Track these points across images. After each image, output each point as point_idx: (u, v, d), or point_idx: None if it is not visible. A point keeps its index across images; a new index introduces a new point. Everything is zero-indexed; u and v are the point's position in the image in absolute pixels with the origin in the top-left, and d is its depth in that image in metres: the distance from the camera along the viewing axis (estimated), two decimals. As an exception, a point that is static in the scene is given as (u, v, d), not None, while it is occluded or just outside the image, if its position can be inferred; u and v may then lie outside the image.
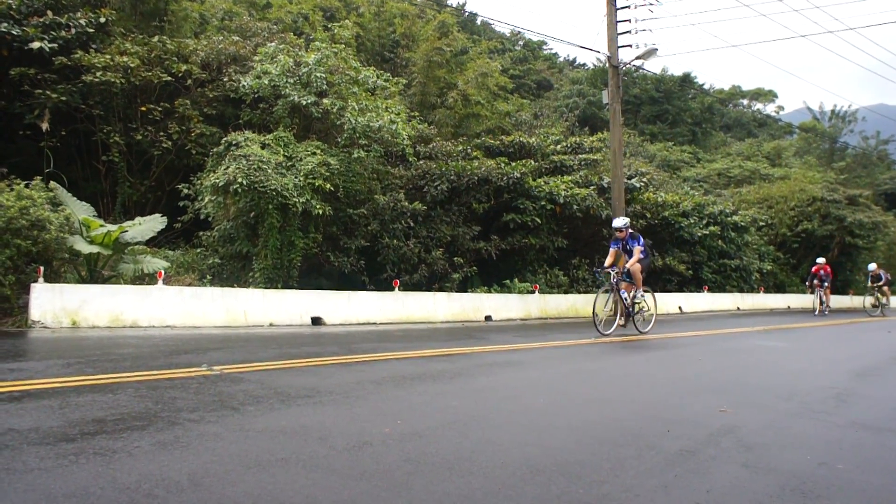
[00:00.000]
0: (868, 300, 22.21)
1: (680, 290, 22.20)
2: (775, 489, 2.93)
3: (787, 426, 4.22)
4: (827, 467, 3.31)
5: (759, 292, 26.08)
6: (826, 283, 20.79)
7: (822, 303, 20.80)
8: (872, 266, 22.27)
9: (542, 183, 16.83)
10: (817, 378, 6.58)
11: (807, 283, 21.81)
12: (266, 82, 13.99)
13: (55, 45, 13.67)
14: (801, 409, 4.78)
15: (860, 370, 7.34)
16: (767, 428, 4.15)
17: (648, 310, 11.59)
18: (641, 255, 11.20)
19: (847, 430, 4.20)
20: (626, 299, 10.91)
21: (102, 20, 14.91)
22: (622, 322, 11.02)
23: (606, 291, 11.10)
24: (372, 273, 14.33)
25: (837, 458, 3.48)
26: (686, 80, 54.81)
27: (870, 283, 22.20)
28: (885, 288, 22.01)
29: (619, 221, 11.44)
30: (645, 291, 11.59)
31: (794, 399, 5.20)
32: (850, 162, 48.02)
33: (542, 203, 16.38)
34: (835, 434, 4.07)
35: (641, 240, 11.36)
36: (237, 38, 16.91)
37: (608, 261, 11.11)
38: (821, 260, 21.51)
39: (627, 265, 10.97)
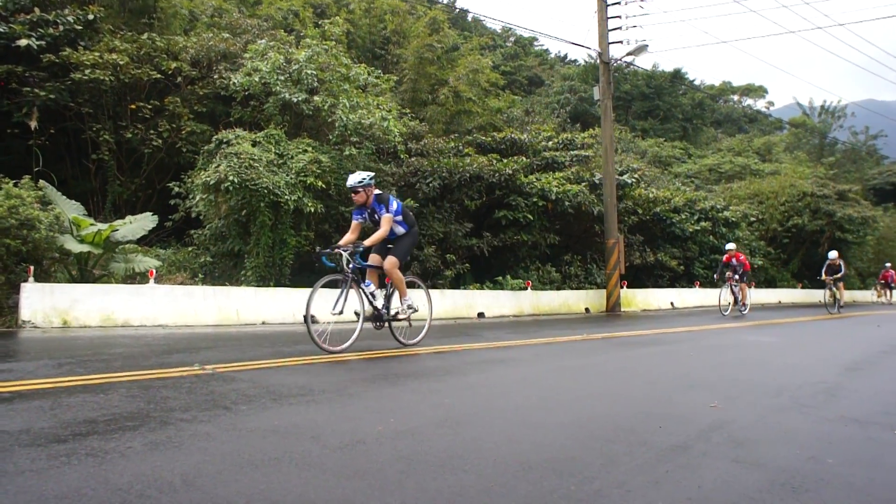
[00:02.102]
0: (826, 294, 19.12)
1: (672, 285, 22.34)
2: (765, 484, 2.96)
3: (776, 421, 4.26)
4: (816, 462, 3.34)
5: (750, 287, 26.24)
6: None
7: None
8: (833, 254, 19.37)
9: (534, 179, 16.86)
10: (807, 373, 6.63)
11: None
12: (257, 80, 13.95)
13: (43, 42, 13.59)
14: (791, 404, 4.82)
15: (850, 364, 7.40)
16: (757, 423, 4.18)
17: (416, 310, 7.79)
18: (402, 230, 7.57)
19: (836, 424, 4.23)
20: (371, 295, 7.35)
21: (91, 17, 14.83)
22: (378, 326, 7.51)
23: (333, 284, 7.21)
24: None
25: (826, 453, 3.51)
26: (677, 76, 54.99)
27: (824, 275, 19.14)
28: (841, 283, 19.36)
29: (354, 178, 7.35)
30: (411, 284, 8.03)
31: (783, 394, 5.24)
32: (840, 157, 48.38)
33: (534, 199, 16.41)
34: (824, 429, 4.10)
35: (398, 205, 7.53)
36: (227, 35, 16.85)
37: (345, 238, 7.46)
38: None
39: (366, 241, 7.29)
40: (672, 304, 20.85)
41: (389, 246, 7.54)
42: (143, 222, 11.64)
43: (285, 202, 12.25)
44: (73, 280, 10.50)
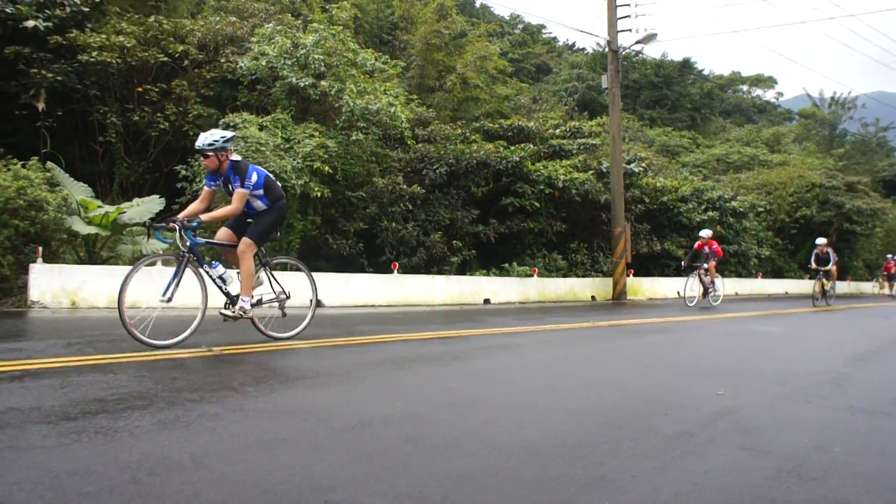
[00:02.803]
0: (815, 285, 17.31)
1: (678, 274, 22.25)
2: (771, 471, 2.95)
3: (783, 409, 4.25)
4: (823, 450, 3.34)
5: (757, 278, 26.18)
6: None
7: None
8: (821, 241, 17.60)
9: (541, 167, 16.81)
10: (814, 363, 6.62)
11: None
12: (264, 64, 13.90)
13: (50, 23, 13.54)
14: (798, 393, 4.81)
15: (857, 355, 7.38)
16: (764, 411, 4.17)
17: (285, 296, 6.66)
18: (263, 205, 6.27)
19: (843, 413, 4.23)
20: (220, 279, 6.23)
21: (98, -1, 14.77)
22: (231, 314, 6.23)
23: (158, 263, 6.05)
24: (371, 256, 14.33)
25: (833, 441, 3.51)
26: (686, 65, 54.61)
27: (813, 264, 17.50)
28: (834, 270, 17.63)
29: (204, 138, 6.02)
30: (277, 266, 7.11)
31: (791, 383, 5.24)
32: (850, 149, 48.04)
33: (541, 187, 16.37)
34: (831, 417, 4.10)
35: (259, 176, 6.14)
36: (234, 18, 16.76)
37: (187, 209, 6.25)
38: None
39: (204, 216, 6.06)
40: (678, 292, 20.78)
41: (249, 221, 6.34)
42: (150, 205, 11.65)
43: (292, 186, 12.24)
44: (80, 261, 10.54)
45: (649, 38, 18.03)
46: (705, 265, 15.24)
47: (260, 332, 6.46)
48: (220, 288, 6.18)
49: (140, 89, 14.69)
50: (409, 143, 15.53)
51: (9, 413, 3.30)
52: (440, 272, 14.80)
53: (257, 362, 5.10)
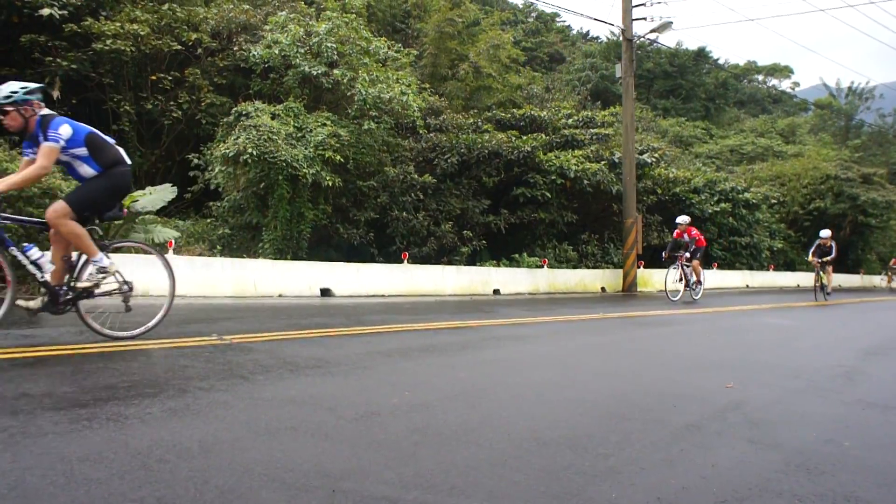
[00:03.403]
0: (813, 279, 16.57)
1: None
2: (780, 465, 2.94)
3: (793, 403, 4.23)
4: (833, 444, 3.32)
5: (768, 270, 26.00)
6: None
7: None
8: (825, 233, 16.60)
9: (553, 157, 16.73)
10: (825, 356, 6.57)
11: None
12: (276, 52, 13.91)
13: (65, 12, 13.61)
14: (808, 387, 4.78)
15: (869, 349, 7.32)
16: (774, 404, 4.15)
17: (129, 288, 5.49)
18: (92, 171, 5.06)
19: (854, 407, 4.20)
20: (36, 265, 4.90)
21: (112, -13, 14.82)
22: (57, 309, 4.96)
23: None
24: (381, 245, 14.36)
25: (844, 436, 3.49)
26: (701, 54, 54.07)
27: (811, 257, 16.58)
28: (830, 266, 16.59)
29: None
30: (119, 250, 6.03)
31: (801, 376, 5.20)
32: (866, 140, 47.41)
33: (553, 177, 16.31)
34: (841, 412, 4.07)
35: (75, 130, 4.93)
36: (247, 6, 16.77)
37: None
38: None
39: (1, 184, 4.64)
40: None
41: None
42: (162, 193, 11.70)
43: (303, 175, 12.27)
44: (93, 249, 10.61)
45: (664, 26, 17.86)
46: (687, 254, 14.07)
47: (92, 329, 5.18)
48: (35, 275, 4.89)
49: (153, 77, 14.76)
50: (420, 132, 15.50)
51: (21, 399, 3.34)
52: (450, 262, 14.81)
53: (267, 351, 5.13)
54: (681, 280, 14.04)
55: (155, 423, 3.07)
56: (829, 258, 16.30)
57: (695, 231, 14.56)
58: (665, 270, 14.71)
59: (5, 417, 3.02)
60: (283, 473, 2.51)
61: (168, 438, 2.84)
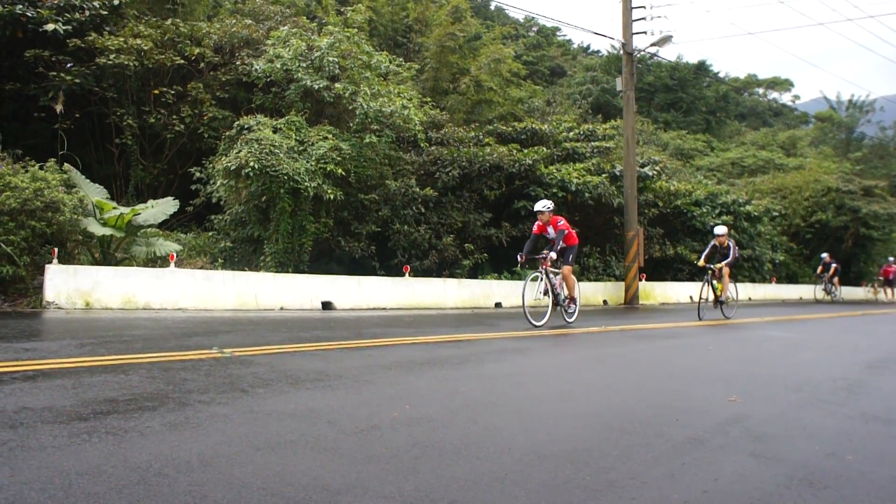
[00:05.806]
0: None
1: (691, 279, 22.09)
2: (783, 479, 2.92)
3: (796, 416, 4.21)
4: (836, 458, 3.30)
5: (771, 283, 25.94)
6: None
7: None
8: (721, 230, 13.16)
9: (554, 170, 16.75)
10: (828, 369, 6.54)
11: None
12: (278, 66, 13.98)
13: (69, 27, 13.72)
14: (811, 400, 4.76)
15: (872, 362, 7.29)
16: (776, 418, 4.13)
17: None
18: None
19: (857, 421, 4.17)
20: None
21: (116, 2, 14.94)
22: None
23: None
24: (382, 258, 14.36)
25: (847, 449, 3.47)
26: (701, 67, 54.27)
27: (702, 261, 13.00)
28: (726, 271, 12.85)
29: None
30: None
31: (803, 389, 5.18)
32: (867, 152, 47.34)
33: (554, 190, 16.32)
34: (845, 425, 4.05)
35: None
36: (250, 21, 16.88)
37: None
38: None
39: None
40: (691, 297, 20.60)
41: None
42: (164, 207, 11.74)
43: (305, 189, 12.29)
44: (95, 262, 10.64)
45: (665, 40, 17.94)
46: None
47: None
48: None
49: (156, 92, 14.84)
50: (422, 145, 15.54)
51: (21, 412, 3.33)
52: (451, 275, 14.79)
53: (267, 364, 5.12)
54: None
55: (154, 436, 3.06)
56: (724, 263, 12.70)
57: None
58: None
59: (5, 431, 3.02)
60: (282, 487, 2.49)
61: (167, 452, 2.83)
